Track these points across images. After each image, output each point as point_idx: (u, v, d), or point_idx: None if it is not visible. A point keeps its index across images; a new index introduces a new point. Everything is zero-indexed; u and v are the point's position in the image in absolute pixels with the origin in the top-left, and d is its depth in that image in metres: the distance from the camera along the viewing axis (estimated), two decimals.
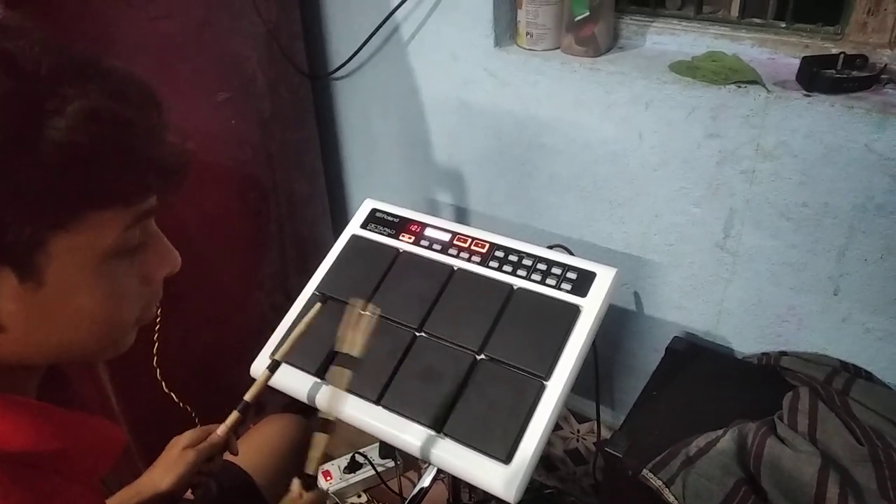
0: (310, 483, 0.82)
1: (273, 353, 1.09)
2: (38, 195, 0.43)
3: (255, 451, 1.10)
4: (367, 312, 0.88)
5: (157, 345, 1.21)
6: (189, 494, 0.94)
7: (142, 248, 0.54)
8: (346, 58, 1.44)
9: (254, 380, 1.03)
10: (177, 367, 1.30)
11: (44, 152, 0.43)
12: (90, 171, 0.45)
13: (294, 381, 1.06)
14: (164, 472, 0.88)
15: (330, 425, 0.83)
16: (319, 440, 0.83)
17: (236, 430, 0.97)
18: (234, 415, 0.96)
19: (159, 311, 1.19)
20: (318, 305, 1.06)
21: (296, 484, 0.82)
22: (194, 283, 1.34)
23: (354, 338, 0.86)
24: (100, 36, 1.07)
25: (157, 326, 1.20)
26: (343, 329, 0.88)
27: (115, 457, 0.55)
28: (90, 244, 0.48)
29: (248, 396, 0.97)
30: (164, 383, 1.25)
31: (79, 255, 0.48)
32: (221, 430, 0.95)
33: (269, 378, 1.00)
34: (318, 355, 1.06)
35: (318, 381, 1.05)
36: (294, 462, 1.13)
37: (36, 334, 0.49)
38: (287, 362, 1.06)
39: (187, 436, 0.93)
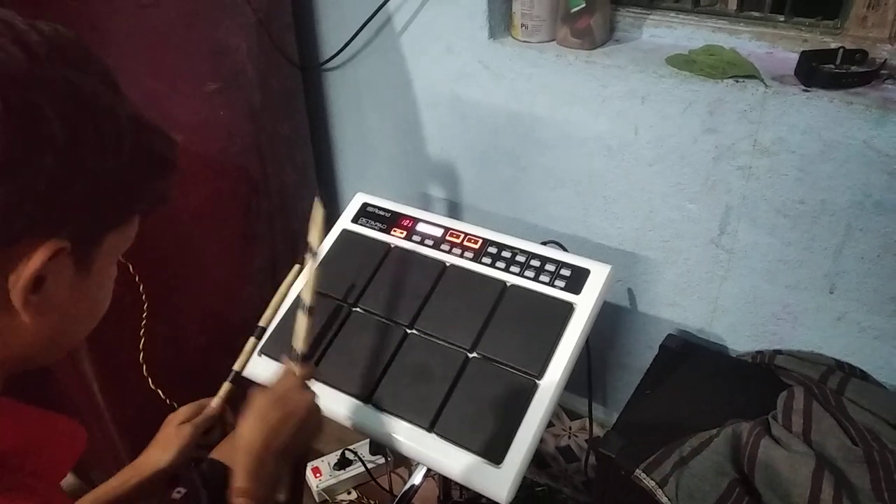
0: (298, 358, 0.84)
1: (262, 351, 1.08)
2: (120, 196, 0.49)
3: None
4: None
5: (143, 340, 1.19)
6: (173, 494, 0.92)
7: None
8: (338, 49, 1.41)
9: (242, 376, 1.02)
10: (165, 363, 1.27)
11: (135, 158, 0.48)
12: (155, 177, 0.52)
13: (270, 373, 1.04)
14: (163, 449, 0.87)
15: (311, 309, 0.87)
16: (301, 320, 0.86)
17: (231, 402, 0.96)
18: (225, 386, 0.95)
19: (146, 306, 1.18)
20: (296, 267, 1.05)
21: (287, 361, 0.83)
22: (183, 277, 1.32)
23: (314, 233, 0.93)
24: (87, 25, 1.04)
25: (143, 322, 1.18)
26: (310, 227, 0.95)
27: (77, 454, 0.55)
28: (124, 241, 0.54)
29: (237, 366, 0.97)
30: (150, 380, 1.23)
31: (114, 251, 0.53)
32: (215, 402, 0.94)
33: (255, 346, 1.00)
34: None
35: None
36: None
37: (62, 322, 0.51)
38: (270, 356, 1.05)
39: (182, 412, 0.92)
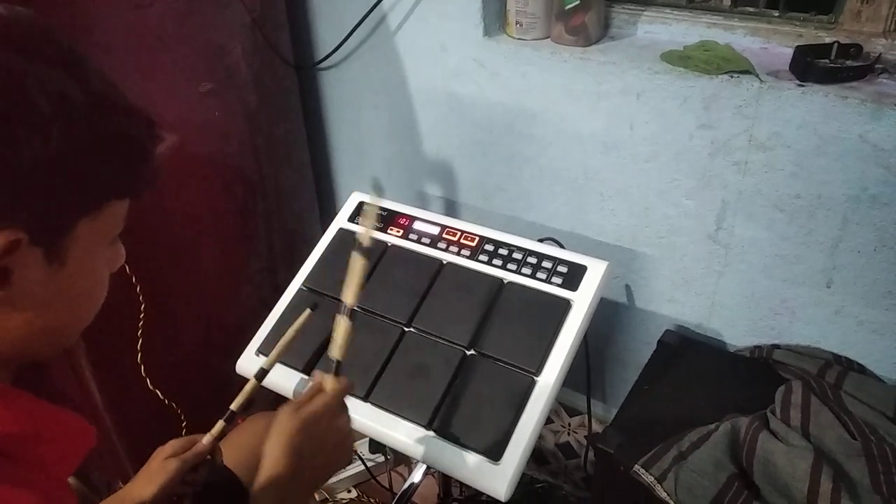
0: (335, 370, 0.77)
1: (259, 351, 1.07)
2: (80, 182, 0.48)
3: (240, 448, 1.08)
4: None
5: (140, 341, 1.19)
6: None
7: None
8: (333, 48, 1.41)
9: (240, 377, 1.01)
10: (163, 363, 1.28)
11: (94, 143, 0.47)
12: (125, 162, 0.51)
13: (281, 378, 1.04)
14: (147, 482, 0.86)
15: (352, 314, 0.79)
16: (341, 324, 0.77)
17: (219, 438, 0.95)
18: (219, 424, 0.93)
19: (143, 307, 1.18)
20: (307, 312, 1.04)
21: (318, 374, 0.76)
22: (181, 278, 1.32)
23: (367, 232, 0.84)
24: (80, 25, 1.04)
25: (141, 323, 1.18)
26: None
27: (85, 451, 0.55)
28: (105, 229, 0.53)
29: (234, 406, 0.95)
30: (148, 380, 1.23)
31: (95, 240, 0.52)
32: (206, 439, 0.92)
33: (255, 387, 0.97)
34: (305, 353, 1.04)
35: (305, 377, 1.04)
36: None
37: (46, 316, 0.50)
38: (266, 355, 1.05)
39: (171, 445, 0.90)
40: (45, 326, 0.52)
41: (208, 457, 0.93)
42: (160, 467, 0.87)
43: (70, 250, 0.49)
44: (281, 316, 1.11)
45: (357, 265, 0.81)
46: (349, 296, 0.79)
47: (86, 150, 0.47)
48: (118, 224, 0.55)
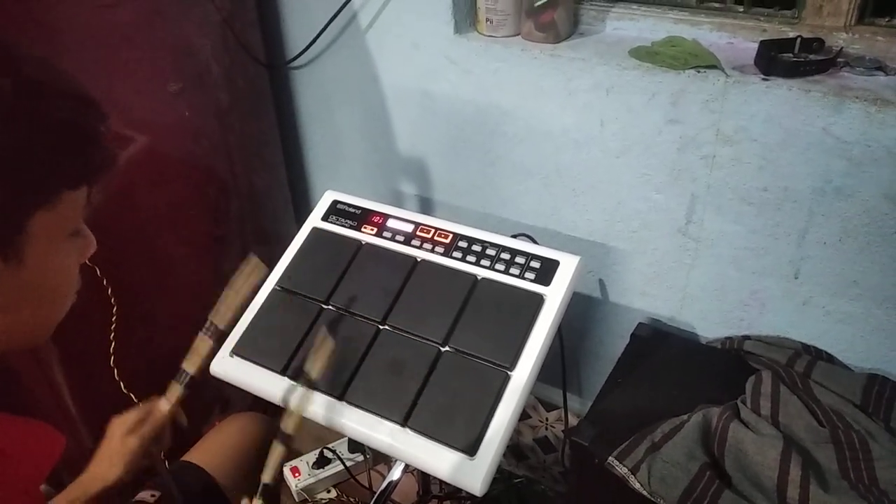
0: (264, 492, 0.79)
1: (233, 352, 1.07)
2: (27, 175, 0.46)
3: (218, 450, 1.08)
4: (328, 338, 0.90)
5: (113, 344, 1.18)
6: (147, 497, 0.91)
7: None
8: (304, 46, 1.41)
9: (214, 378, 1.01)
10: (137, 367, 1.26)
11: (35, 132, 0.46)
12: (72, 148, 0.50)
13: (260, 381, 1.04)
14: (110, 464, 0.83)
15: (290, 438, 0.83)
16: (276, 450, 0.82)
17: (181, 402, 0.93)
18: (174, 387, 0.92)
19: (115, 310, 1.17)
20: (254, 260, 1.01)
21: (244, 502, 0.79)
22: (154, 281, 1.31)
23: (315, 361, 0.89)
24: (46, 25, 1.02)
25: (113, 325, 1.17)
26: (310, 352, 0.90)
27: (54, 461, 0.54)
28: (62, 221, 0.51)
29: (185, 365, 0.93)
30: (122, 384, 1.21)
31: (52, 233, 0.51)
32: (163, 405, 0.90)
33: (207, 344, 0.95)
34: (283, 353, 1.04)
35: (284, 378, 1.03)
36: (258, 461, 1.10)
37: (10, 317, 0.50)
38: (253, 360, 1.04)
39: (126, 420, 0.88)
40: (10, 328, 0.50)
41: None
42: (121, 447, 0.84)
43: (28, 247, 0.48)
44: (255, 316, 1.11)
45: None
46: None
47: (26, 140, 0.45)
48: (77, 214, 0.53)
